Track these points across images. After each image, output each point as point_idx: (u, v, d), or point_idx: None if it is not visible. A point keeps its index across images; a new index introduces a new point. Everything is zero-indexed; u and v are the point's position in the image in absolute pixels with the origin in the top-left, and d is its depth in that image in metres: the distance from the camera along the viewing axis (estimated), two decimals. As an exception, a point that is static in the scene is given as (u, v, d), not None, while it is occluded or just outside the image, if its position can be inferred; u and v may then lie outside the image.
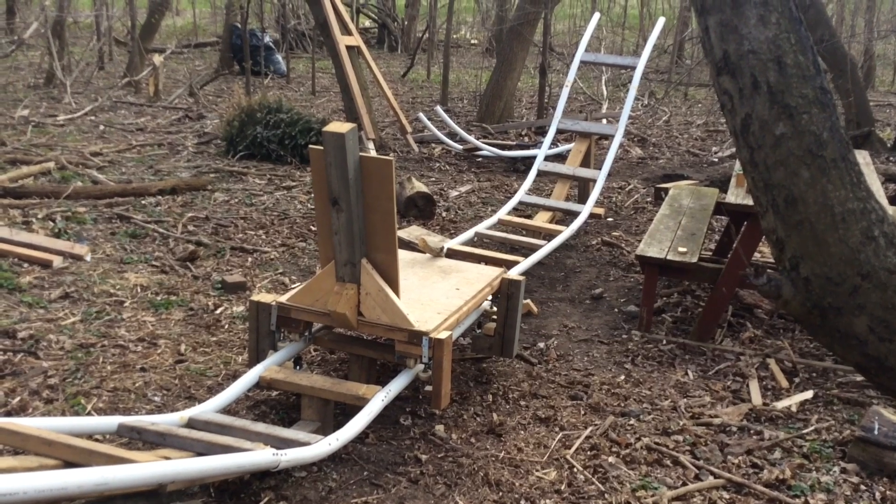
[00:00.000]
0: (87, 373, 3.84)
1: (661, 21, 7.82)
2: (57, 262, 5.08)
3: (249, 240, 5.90)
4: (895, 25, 14.85)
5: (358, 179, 3.20)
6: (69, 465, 2.63)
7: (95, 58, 13.16)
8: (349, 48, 8.75)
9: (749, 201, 4.18)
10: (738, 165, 5.12)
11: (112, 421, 2.99)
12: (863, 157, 5.46)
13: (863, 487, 3.23)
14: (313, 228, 6.09)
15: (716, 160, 9.17)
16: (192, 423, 3.10)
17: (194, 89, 11.18)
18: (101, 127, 9.20)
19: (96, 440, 3.12)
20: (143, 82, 11.68)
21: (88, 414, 3.50)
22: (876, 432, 3.33)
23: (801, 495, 3.16)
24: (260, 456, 2.77)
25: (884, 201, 4.59)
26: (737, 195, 4.68)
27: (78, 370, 3.86)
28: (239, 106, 8.36)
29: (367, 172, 3.21)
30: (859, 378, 4.08)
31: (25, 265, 5.05)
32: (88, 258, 5.23)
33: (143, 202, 6.46)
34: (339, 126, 3.13)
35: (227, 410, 3.41)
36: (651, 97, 12.76)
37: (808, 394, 4.01)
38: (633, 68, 7.16)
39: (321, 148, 3.20)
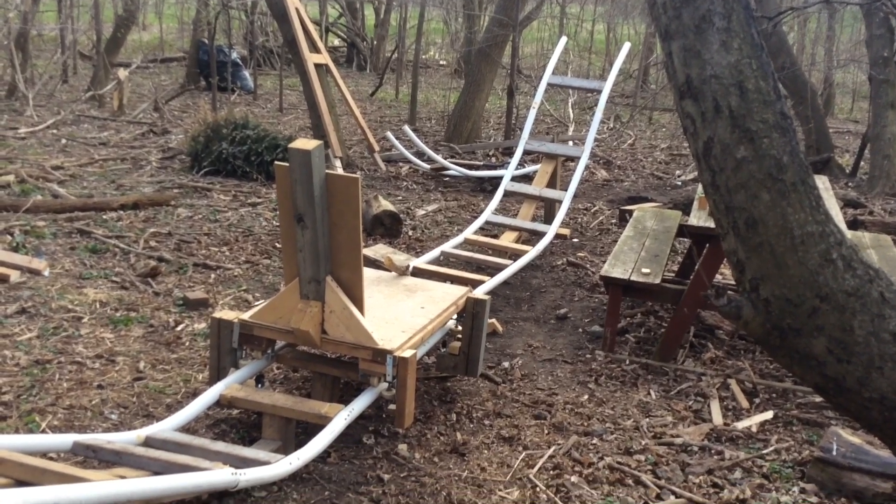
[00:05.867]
0: (43, 389, 3.76)
1: (626, 46, 7.94)
2: (14, 276, 4.97)
3: (213, 256, 5.83)
4: (854, 55, 15.22)
5: (323, 197, 3.19)
6: (21, 483, 2.57)
7: (59, 71, 12.98)
8: (317, 66, 8.74)
9: (711, 224, 4.23)
10: (700, 189, 5.19)
11: (67, 439, 2.93)
12: (822, 182, 5.58)
13: (821, 508, 3.27)
14: (278, 245, 6.05)
15: (679, 183, 9.29)
16: (149, 442, 3.04)
17: (159, 104, 11.08)
18: (63, 140, 9.07)
19: (50, 458, 3.04)
20: (107, 96, 11.55)
21: (43, 431, 3.42)
22: (834, 453, 3.37)
23: (761, 515, 3.19)
24: (218, 475, 2.72)
25: (842, 225, 4.68)
26: (699, 218, 4.74)
27: (33, 387, 3.77)
28: (205, 121, 8.29)
29: (333, 190, 3.19)
30: (818, 399, 4.14)
31: (-19, 279, 4.94)
32: (47, 273, 5.13)
33: (104, 217, 6.36)
34: (305, 143, 3.12)
35: (186, 429, 3.35)
36: (616, 121, 12.92)
37: (769, 414, 4.06)
38: (599, 92, 7.25)
39: (287, 164, 3.18)
